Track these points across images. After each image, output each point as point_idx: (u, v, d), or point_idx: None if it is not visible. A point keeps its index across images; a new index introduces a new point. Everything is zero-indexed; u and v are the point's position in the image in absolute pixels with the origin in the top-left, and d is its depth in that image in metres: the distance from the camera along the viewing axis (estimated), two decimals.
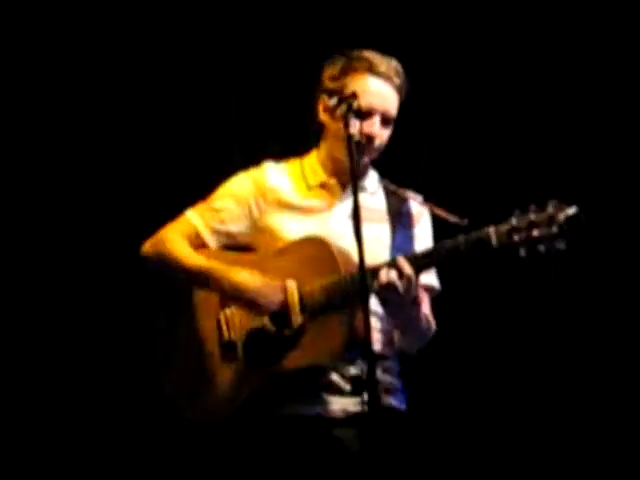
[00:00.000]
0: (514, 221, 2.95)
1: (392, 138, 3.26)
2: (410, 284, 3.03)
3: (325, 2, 4.48)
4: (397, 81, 3.23)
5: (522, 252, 2.93)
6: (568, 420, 4.51)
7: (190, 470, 4.37)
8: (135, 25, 4.49)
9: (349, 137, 2.96)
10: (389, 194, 3.36)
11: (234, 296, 3.19)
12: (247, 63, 4.53)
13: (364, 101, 3.13)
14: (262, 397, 3.18)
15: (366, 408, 3.01)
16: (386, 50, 3.25)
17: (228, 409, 3.20)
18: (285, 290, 3.13)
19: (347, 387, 3.18)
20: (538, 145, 4.51)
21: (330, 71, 3.25)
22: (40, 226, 4.48)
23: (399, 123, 3.26)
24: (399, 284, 3.01)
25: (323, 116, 3.28)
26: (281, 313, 3.14)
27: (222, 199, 3.33)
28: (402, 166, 3.82)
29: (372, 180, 3.36)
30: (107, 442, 4.46)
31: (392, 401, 3.24)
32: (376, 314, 3.19)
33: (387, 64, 3.22)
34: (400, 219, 3.31)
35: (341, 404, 3.17)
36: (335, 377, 3.17)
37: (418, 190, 3.36)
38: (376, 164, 3.36)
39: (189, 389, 3.26)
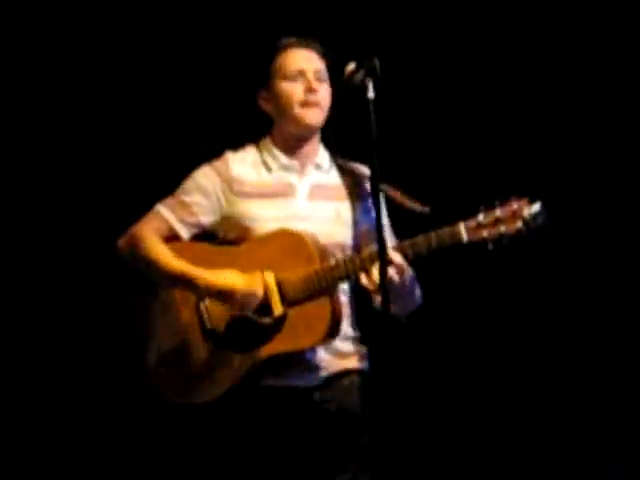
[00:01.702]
0: (481, 217, 3.16)
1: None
2: (403, 274, 3.21)
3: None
4: (315, 45, 3.47)
5: (490, 246, 3.17)
6: (561, 414, 4.67)
7: (173, 443, 4.52)
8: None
9: (368, 102, 3.10)
10: (342, 170, 3.53)
11: (214, 298, 3.35)
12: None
13: (293, 66, 3.42)
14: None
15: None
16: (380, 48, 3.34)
17: (214, 395, 3.37)
18: (264, 283, 3.30)
19: (318, 359, 3.37)
20: (505, 139, 4.66)
21: (257, 67, 3.49)
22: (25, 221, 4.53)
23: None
24: (395, 276, 3.18)
25: (266, 106, 3.49)
26: (261, 303, 3.31)
27: (190, 193, 3.45)
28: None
29: (324, 157, 3.53)
30: (93, 421, 4.56)
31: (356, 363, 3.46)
32: (345, 295, 3.41)
33: (299, 38, 3.47)
34: (357, 193, 3.49)
35: (315, 374, 3.38)
36: (308, 353, 3.36)
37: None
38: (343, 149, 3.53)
39: (174, 379, 3.42)
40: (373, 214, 3.37)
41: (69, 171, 4.58)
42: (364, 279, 3.22)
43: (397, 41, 4.57)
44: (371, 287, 3.21)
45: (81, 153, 4.58)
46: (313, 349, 3.35)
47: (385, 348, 3.07)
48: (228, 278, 3.31)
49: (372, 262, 3.19)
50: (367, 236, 3.45)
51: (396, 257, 3.20)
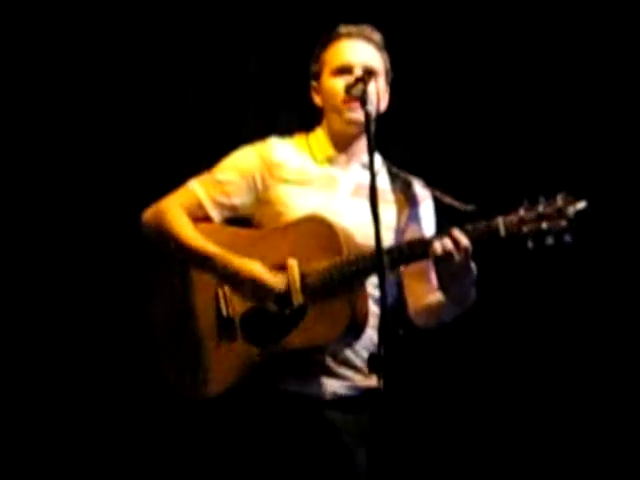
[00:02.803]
0: (523, 212, 2.95)
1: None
2: (467, 255, 3.01)
3: None
4: (371, 36, 3.30)
5: (530, 244, 2.95)
6: (564, 417, 4.53)
7: (182, 443, 4.38)
8: None
9: (367, 115, 2.99)
10: (392, 176, 3.37)
11: (232, 283, 3.18)
12: (263, 31, 4.54)
13: (339, 60, 3.27)
14: (258, 372, 3.18)
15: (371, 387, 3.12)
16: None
17: (224, 387, 3.19)
18: (287, 269, 3.13)
19: (338, 369, 3.18)
20: (546, 137, 4.51)
21: (313, 56, 3.36)
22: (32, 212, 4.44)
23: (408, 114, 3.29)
24: (456, 254, 2.99)
25: (316, 99, 3.35)
26: (282, 292, 3.13)
27: (226, 171, 3.31)
28: (410, 156, 3.85)
29: (376, 158, 3.36)
30: (103, 419, 4.44)
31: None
32: (373, 297, 3.17)
33: (357, 27, 3.31)
34: (405, 199, 3.32)
35: (330, 386, 3.18)
36: (327, 359, 3.17)
37: (425, 178, 3.38)
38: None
39: (186, 367, 3.25)
40: (422, 225, 3.32)
41: (79, 162, 4.49)
42: (430, 252, 3.01)
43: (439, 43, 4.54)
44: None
45: (92, 146, 4.49)
46: (334, 357, 3.16)
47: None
48: (250, 265, 3.14)
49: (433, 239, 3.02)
50: None
51: (462, 238, 2.99)
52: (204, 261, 3.20)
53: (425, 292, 3.27)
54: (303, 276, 3.12)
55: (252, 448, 3.16)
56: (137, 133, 4.46)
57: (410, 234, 3.28)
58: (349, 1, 4.19)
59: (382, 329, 2.90)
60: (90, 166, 4.44)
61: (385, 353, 2.86)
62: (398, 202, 3.32)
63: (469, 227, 3.01)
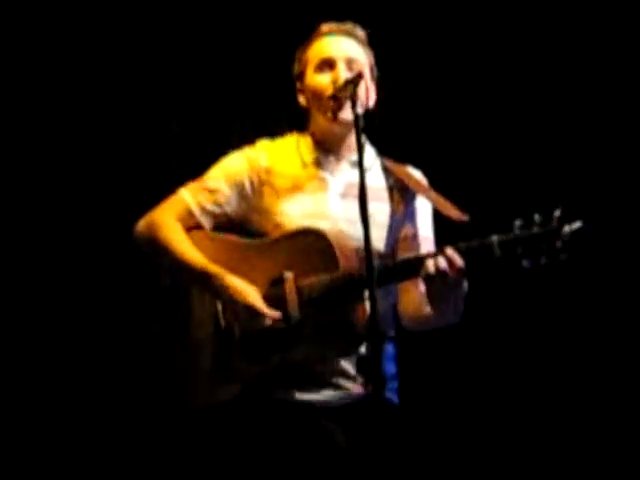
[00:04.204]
0: (518, 231, 2.89)
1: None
2: (461, 274, 2.95)
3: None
4: (354, 32, 3.24)
5: (525, 263, 2.89)
6: (565, 418, 4.53)
7: (176, 452, 4.37)
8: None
9: (356, 117, 2.92)
10: (387, 171, 3.30)
11: (226, 302, 3.14)
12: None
13: (321, 54, 3.21)
14: (254, 383, 3.16)
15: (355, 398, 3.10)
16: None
17: (221, 399, 3.17)
18: (283, 283, 3.08)
19: (333, 379, 3.15)
20: (538, 149, 4.47)
21: (296, 58, 3.31)
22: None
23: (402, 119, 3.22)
24: (450, 274, 2.93)
25: (301, 99, 3.29)
26: (279, 308, 3.09)
27: (216, 179, 3.26)
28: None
29: (368, 155, 3.29)
30: (99, 425, 4.45)
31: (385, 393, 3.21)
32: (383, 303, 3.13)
33: (338, 24, 3.26)
34: (400, 196, 3.26)
35: (325, 395, 3.15)
36: (322, 369, 3.14)
37: None
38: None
39: (183, 377, 3.23)
40: (415, 221, 3.26)
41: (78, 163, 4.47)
42: (422, 271, 2.96)
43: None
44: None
45: (88, 146, 4.47)
46: (340, 367, 3.13)
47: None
48: (246, 292, 3.08)
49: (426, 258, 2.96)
50: (405, 243, 3.25)
51: (456, 258, 2.93)
52: (201, 279, 3.15)
53: (416, 301, 3.22)
54: (300, 290, 3.08)
55: (247, 458, 3.14)
56: (123, 142, 4.43)
57: (404, 232, 3.24)
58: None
59: (371, 332, 2.84)
60: (77, 171, 4.43)
61: (374, 356, 2.81)
62: (392, 199, 3.26)
63: (462, 245, 2.95)
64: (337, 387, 3.16)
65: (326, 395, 3.15)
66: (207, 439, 3.28)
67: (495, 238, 2.90)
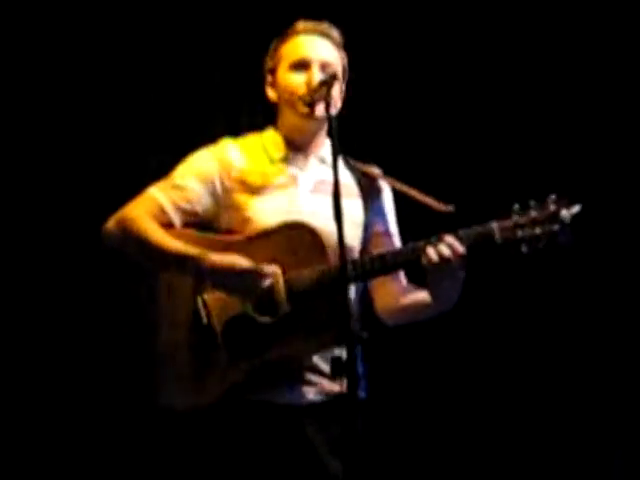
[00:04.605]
0: (516, 217, 2.95)
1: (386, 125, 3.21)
2: (463, 261, 2.97)
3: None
4: (330, 33, 3.24)
5: (524, 248, 2.95)
6: (558, 416, 4.57)
7: (157, 456, 4.27)
8: None
9: (329, 118, 2.91)
10: (352, 169, 3.30)
11: (216, 280, 3.05)
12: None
13: (297, 54, 3.20)
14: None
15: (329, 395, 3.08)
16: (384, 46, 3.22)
17: (206, 400, 3.07)
18: (271, 276, 3.03)
19: (307, 376, 3.11)
20: (530, 139, 4.54)
21: (269, 51, 3.29)
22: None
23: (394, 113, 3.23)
24: (453, 261, 2.94)
25: (271, 93, 3.28)
26: (265, 300, 3.04)
27: (186, 177, 3.20)
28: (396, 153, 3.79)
29: (330, 152, 3.28)
30: (81, 430, 4.34)
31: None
32: (352, 300, 3.12)
33: (314, 23, 3.25)
34: (368, 192, 3.27)
35: (301, 393, 3.10)
36: (297, 366, 3.10)
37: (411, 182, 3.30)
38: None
39: (164, 382, 3.13)
40: (385, 217, 3.28)
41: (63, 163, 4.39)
42: (423, 259, 2.96)
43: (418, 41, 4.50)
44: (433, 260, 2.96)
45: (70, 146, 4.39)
46: (311, 363, 3.09)
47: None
48: (235, 258, 3.02)
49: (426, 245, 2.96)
50: (377, 239, 3.26)
51: (456, 244, 2.95)
52: (184, 263, 3.06)
53: (397, 293, 3.23)
54: (288, 282, 3.03)
55: (228, 462, 3.06)
56: (98, 140, 4.37)
57: (376, 228, 3.25)
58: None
59: (345, 332, 2.82)
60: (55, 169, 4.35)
61: (348, 356, 2.77)
62: (364, 196, 3.27)
63: (462, 232, 2.98)
64: (311, 384, 3.12)
65: (303, 392, 3.10)
66: (187, 443, 3.22)
67: (495, 224, 2.96)
